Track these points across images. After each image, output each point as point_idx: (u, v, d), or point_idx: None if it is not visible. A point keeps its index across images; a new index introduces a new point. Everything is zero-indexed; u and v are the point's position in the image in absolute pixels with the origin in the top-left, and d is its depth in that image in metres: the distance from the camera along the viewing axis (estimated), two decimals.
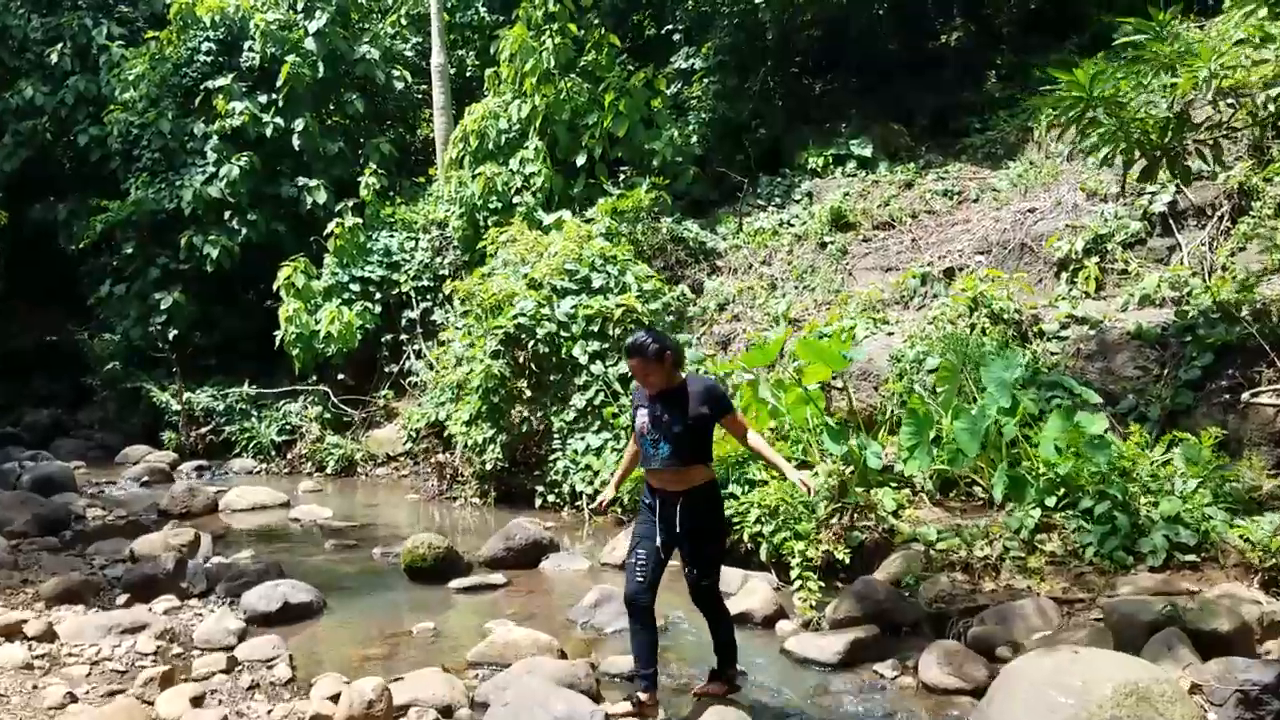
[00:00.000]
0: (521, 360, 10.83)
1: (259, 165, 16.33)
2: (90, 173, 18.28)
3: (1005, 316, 9.09)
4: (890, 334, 9.61)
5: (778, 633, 6.17)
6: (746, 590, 6.60)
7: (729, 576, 7.10)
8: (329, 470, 13.85)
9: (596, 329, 10.55)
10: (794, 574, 6.79)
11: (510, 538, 8.23)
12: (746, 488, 7.68)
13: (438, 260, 15.25)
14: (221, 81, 16.45)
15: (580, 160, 14.11)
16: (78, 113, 17.96)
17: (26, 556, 8.38)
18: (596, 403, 10.16)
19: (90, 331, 17.64)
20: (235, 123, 16.27)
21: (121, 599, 6.96)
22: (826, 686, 5.30)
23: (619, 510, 9.25)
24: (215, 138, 16.48)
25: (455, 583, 7.56)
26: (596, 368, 10.32)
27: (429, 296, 15.03)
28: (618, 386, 10.14)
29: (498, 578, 7.69)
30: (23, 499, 10.29)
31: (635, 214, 12.95)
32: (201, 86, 16.73)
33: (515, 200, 13.95)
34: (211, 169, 16.39)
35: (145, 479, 13.39)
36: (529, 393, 10.87)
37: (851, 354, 7.99)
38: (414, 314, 14.93)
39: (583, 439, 10.10)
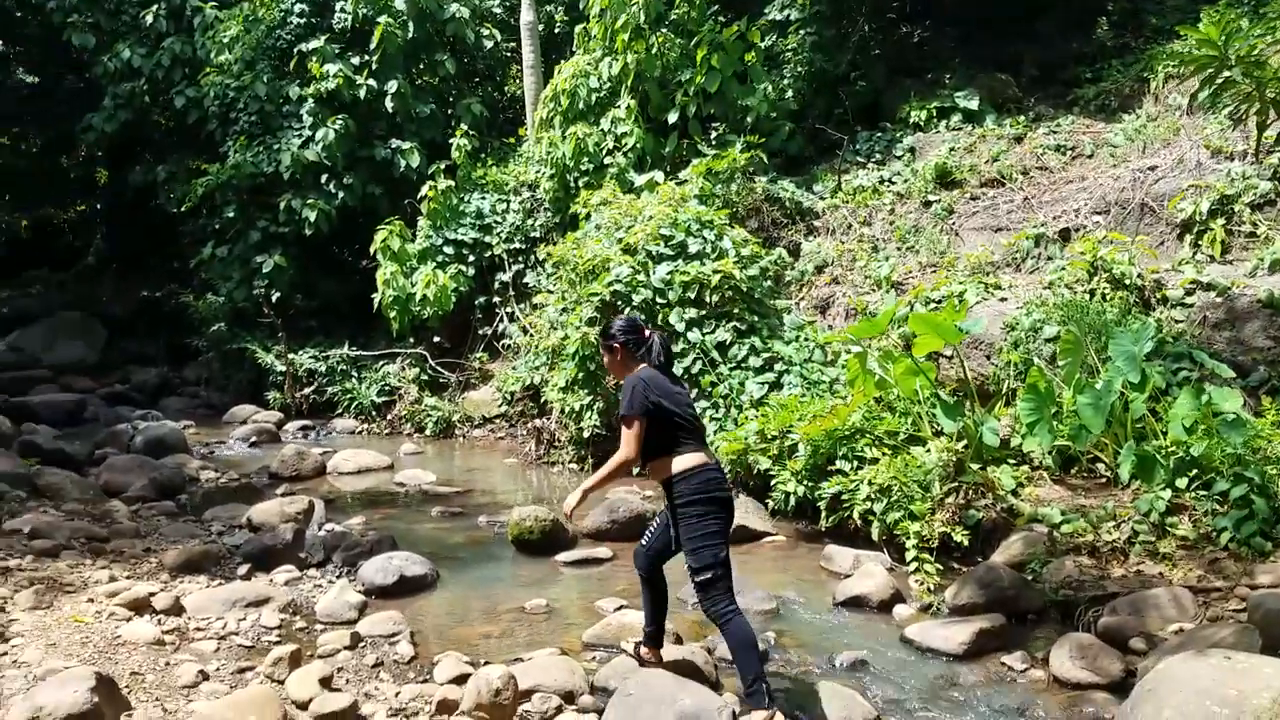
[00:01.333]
0: None
1: (354, 128, 16.45)
2: (188, 134, 18.62)
3: (1127, 282, 8.68)
4: (1003, 300, 9.26)
5: (895, 618, 6.04)
6: (862, 573, 6.46)
7: (839, 557, 7.02)
8: (428, 431, 14.05)
9: (693, 296, 10.38)
10: (909, 555, 6.65)
11: (614, 510, 8.22)
12: (856, 464, 7.53)
13: (529, 222, 15.23)
14: (315, 44, 16.58)
15: (672, 118, 13.84)
16: (174, 74, 18.23)
17: (147, 523, 8.64)
18: (694, 371, 9.96)
19: (194, 292, 18.10)
20: (329, 85, 16.38)
21: (242, 569, 7.12)
22: (952, 678, 5.16)
23: None
24: (310, 100, 16.63)
25: (562, 556, 7.59)
26: (694, 335, 10.13)
27: (521, 258, 15.06)
28: (715, 354, 9.99)
29: (603, 551, 7.69)
30: (139, 462, 10.64)
31: (730, 174, 12.67)
32: (295, 49, 16.86)
33: (606, 161, 13.79)
34: (308, 132, 16.58)
35: (253, 439, 13.75)
36: None
37: (967, 326, 7.71)
38: (506, 276, 14.99)
39: None
